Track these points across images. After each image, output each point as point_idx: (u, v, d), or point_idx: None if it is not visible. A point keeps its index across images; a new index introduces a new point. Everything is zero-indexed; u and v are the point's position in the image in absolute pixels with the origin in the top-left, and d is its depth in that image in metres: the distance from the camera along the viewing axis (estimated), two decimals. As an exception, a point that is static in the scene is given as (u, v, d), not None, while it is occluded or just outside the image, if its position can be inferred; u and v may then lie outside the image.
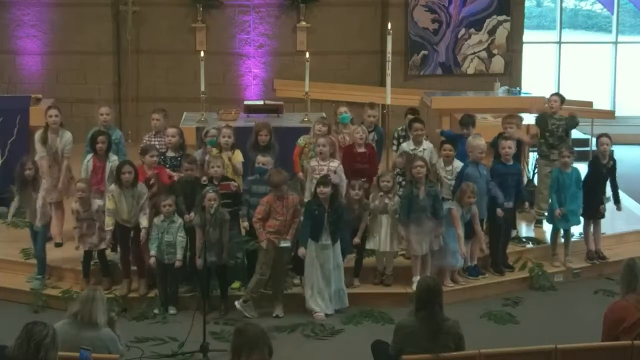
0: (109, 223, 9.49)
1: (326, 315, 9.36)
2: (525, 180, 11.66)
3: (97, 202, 9.70)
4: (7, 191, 11.23)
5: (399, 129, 11.08)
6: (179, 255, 9.36)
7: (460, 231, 9.70)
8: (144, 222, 9.45)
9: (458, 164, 10.20)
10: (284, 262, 9.45)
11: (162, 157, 10.32)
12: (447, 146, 10.30)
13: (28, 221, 9.95)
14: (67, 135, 10.59)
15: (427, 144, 10.56)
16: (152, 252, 9.37)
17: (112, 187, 9.56)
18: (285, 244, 9.31)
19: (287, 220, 9.29)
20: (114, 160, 10.12)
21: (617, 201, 10.98)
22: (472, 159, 10.08)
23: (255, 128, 10.41)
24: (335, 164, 10.07)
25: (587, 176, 10.68)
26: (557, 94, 11.78)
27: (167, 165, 10.23)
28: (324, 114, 11.71)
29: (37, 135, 10.62)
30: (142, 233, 9.43)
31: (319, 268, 9.33)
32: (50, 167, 10.39)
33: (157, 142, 10.56)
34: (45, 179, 10.01)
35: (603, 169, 10.69)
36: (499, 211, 10.01)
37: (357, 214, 9.72)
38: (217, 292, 9.51)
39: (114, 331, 6.93)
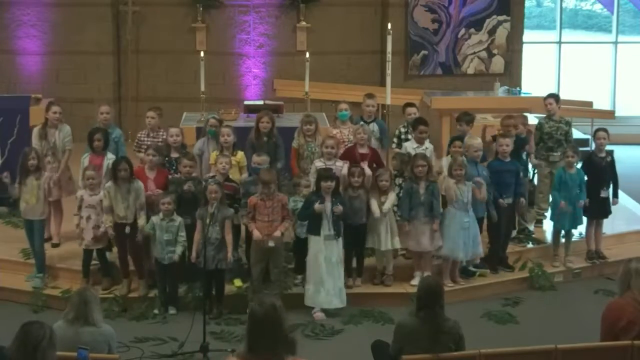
0: (107, 220, 9.49)
1: (330, 310, 9.33)
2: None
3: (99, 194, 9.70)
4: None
5: (401, 127, 11.04)
6: (178, 251, 9.33)
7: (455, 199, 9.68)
8: (141, 221, 9.45)
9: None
10: (276, 261, 9.39)
11: (166, 158, 10.28)
12: (457, 142, 10.29)
13: (26, 219, 9.87)
14: (67, 129, 10.59)
15: (428, 144, 10.54)
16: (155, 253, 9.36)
17: (108, 184, 9.54)
18: (270, 244, 9.25)
19: (273, 220, 9.23)
20: (111, 158, 10.10)
21: (615, 195, 10.87)
22: (469, 159, 10.09)
23: (256, 118, 10.42)
24: (340, 163, 10.05)
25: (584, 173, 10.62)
26: (552, 95, 11.54)
27: (173, 167, 10.11)
28: (321, 114, 11.69)
29: (35, 130, 10.59)
30: (139, 234, 9.41)
31: (323, 261, 9.28)
32: (49, 164, 10.35)
33: (149, 141, 10.49)
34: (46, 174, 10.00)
35: (602, 162, 10.64)
36: (501, 201, 10.04)
37: (360, 200, 9.68)
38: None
39: None
